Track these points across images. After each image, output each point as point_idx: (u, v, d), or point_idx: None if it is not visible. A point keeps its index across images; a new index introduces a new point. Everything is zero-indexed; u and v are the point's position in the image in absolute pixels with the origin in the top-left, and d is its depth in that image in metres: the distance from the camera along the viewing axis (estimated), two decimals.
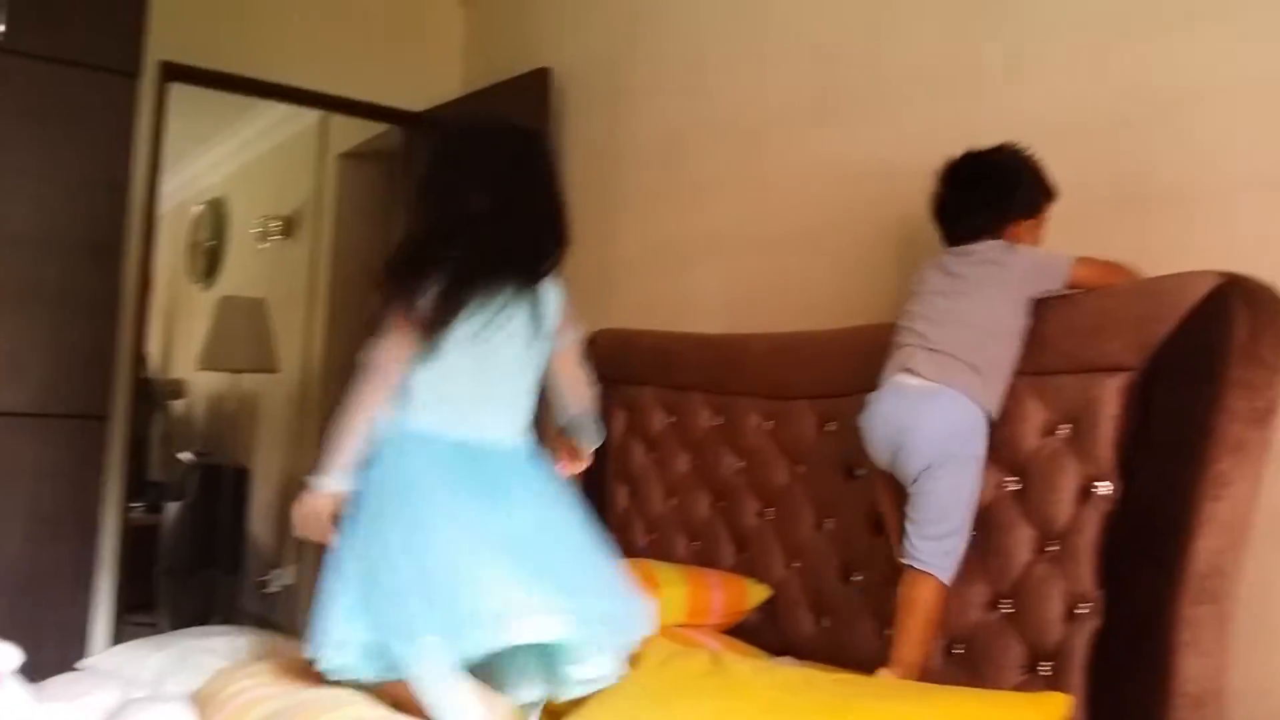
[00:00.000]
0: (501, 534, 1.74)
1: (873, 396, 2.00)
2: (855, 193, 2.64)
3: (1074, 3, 2.22)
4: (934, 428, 1.89)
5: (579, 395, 2.04)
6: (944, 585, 1.88)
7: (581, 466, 2.03)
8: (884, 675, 1.87)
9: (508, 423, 1.92)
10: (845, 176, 2.68)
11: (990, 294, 1.92)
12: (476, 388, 1.87)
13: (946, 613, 1.91)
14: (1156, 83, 2.04)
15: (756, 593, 2.38)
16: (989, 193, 1.99)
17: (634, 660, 1.85)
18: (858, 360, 2.28)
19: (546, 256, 1.93)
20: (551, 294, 1.94)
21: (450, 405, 1.86)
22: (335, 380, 5.15)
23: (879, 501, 2.10)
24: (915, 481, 1.90)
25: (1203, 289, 1.67)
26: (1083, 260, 1.91)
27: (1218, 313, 1.64)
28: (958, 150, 2.41)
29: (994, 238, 1.97)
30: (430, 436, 1.84)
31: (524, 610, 1.65)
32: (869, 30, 2.67)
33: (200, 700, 1.88)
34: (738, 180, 3.02)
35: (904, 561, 1.90)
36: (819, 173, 2.76)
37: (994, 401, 1.90)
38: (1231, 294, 1.64)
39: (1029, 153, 2.00)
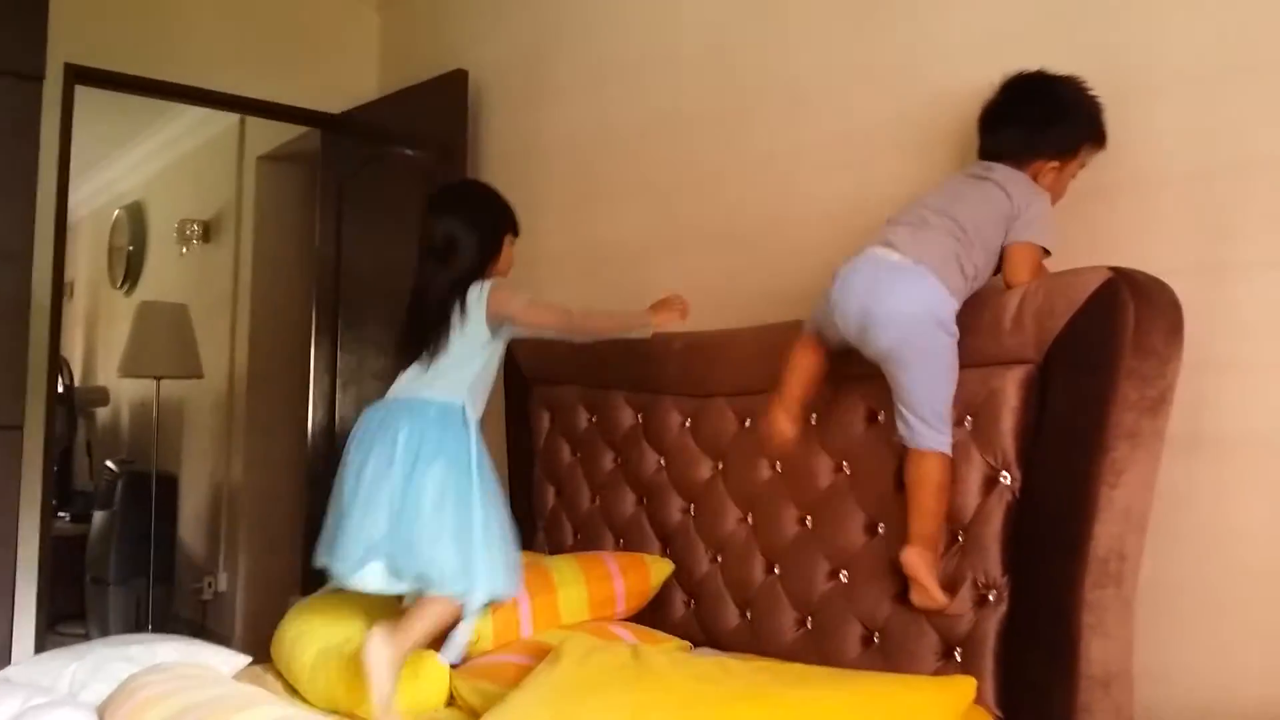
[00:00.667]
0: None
1: (845, 267, 1.93)
2: (770, 190, 2.68)
3: None
4: (906, 305, 1.84)
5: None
6: (947, 456, 1.86)
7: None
8: (907, 554, 1.89)
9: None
10: (759, 174, 2.71)
11: (990, 215, 1.89)
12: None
13: (953, 480, 1.89)
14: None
15: (659, 569, 2.43)
16: (1030, 114, 1.93)
17: (555, 657, 1.88)
18: (775, 358, 2.32)
19: None
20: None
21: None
22: (259, 385, 5.10)
23: (793, 358, 2.09)
24: (887, 361, 1.87)
25: (1094, 283, 1.72)
26: (1042, 253, 1.90)
27: (1108, 306, 1.69)
28: (858, 150, 2.47)
29: (1018, 166, 1.92)
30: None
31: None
32: (776, 31, 2.71)
33: (104, 707, 1.87)
34: (656, 179, 3.04)
35: (904, 444, 1.89)
36: (733, 172, 2.79)
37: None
38: (1121, 288, 1.69)
39: (1087, 92, 1.92)
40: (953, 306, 1.85)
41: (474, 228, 2.32)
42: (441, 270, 2.28)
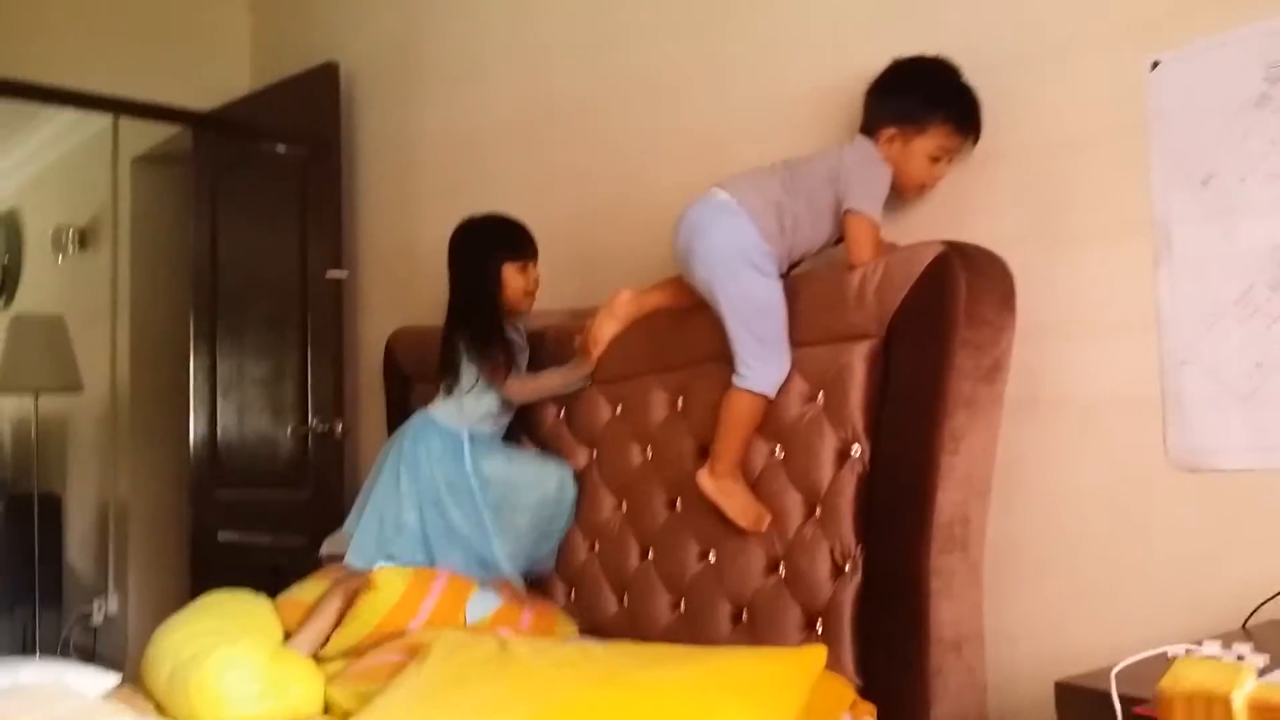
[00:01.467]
0: None
1: (688, 206, 2.07)
2: (634, 180, 2.70)
3: None
4: (717, 242, 1.97)
5: None
6: (759, 398, 1.97)
7: None
8: (700, 477, 2.04)
9: None
10: (624, 164, 2.74)
11: (820, 169, 2.00)
12: None
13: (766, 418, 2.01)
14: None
15: (563, 626, 2.38)
16: (879, 85, 2.02)
17: (424, 655, 1.88)
18: (641, 347, 2.34)
19: None
20: None
21: None
22: (143, 396, 4.97)
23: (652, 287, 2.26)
24: (709, 297, 2.01)
25: (928, 257, 1.77)
26: (869, 219, 1.95)
27: (941, 279, 1.75)
28: (718, 140, 2.50)
29: (868, 135, 2.00)
30: None
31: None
32: (642, 22, 2.73)
33: None
34: (529, 169, 3.04)
35: (733, 383, 1.99)
36: (601, 161, 2.80)
37: (780, 261, 2.00)
38: (953, 261, 1.75)
39: (949, 73, 1.97)
40: (764, 250, 1.95)
41: (462, 270, 2.50)
42: (452, 313, 2.50)
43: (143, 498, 4.98)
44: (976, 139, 2.00)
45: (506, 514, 2.42)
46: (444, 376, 2.49)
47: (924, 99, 1.97)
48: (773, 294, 1.95)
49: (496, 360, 2.43)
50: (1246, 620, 1.57)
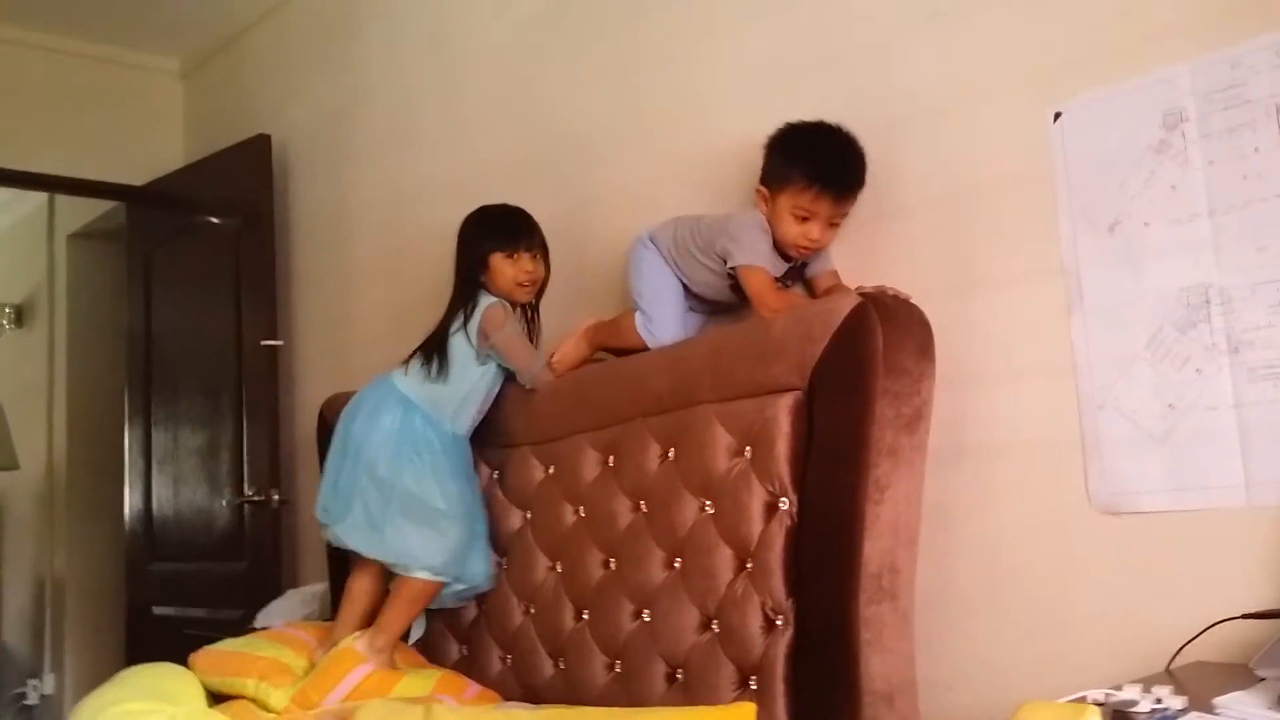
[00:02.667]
0: None
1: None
2: (568, 232, 2.71)
3: (752, 41, 2.36)
4: (629, 263, 2.40)
5: None
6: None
7: None
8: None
9: None
10: (557, 223, 2.74)
11: (718, 233, 2.17)
12: None
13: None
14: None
15: None
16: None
17: None
18: (571, 405, 2.34)
19: None
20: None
21: None
22: (83, 474, 4.87)
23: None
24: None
25: (846, 309, 1.78)
26: (756, 271, 2.05)
27: (859, 330, 1.76)
28: (642, 195, 2.55)
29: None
30: None
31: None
32: (568, 85, 2.76)
33: None
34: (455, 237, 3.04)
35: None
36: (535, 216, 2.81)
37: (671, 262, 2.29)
38: (869, 312, 1.76)
39: (811, 134, 2.04)
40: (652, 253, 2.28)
41: (458, 259, 2.50)
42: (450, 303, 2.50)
43: (80, 575, 4.86)
44: (845, 195, 2.03)
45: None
46: (423, 354, 2.47)
47: (780, 159, 2.06)
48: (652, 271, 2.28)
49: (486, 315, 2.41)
50: (1170, 662, 1.58)
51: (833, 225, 2.07)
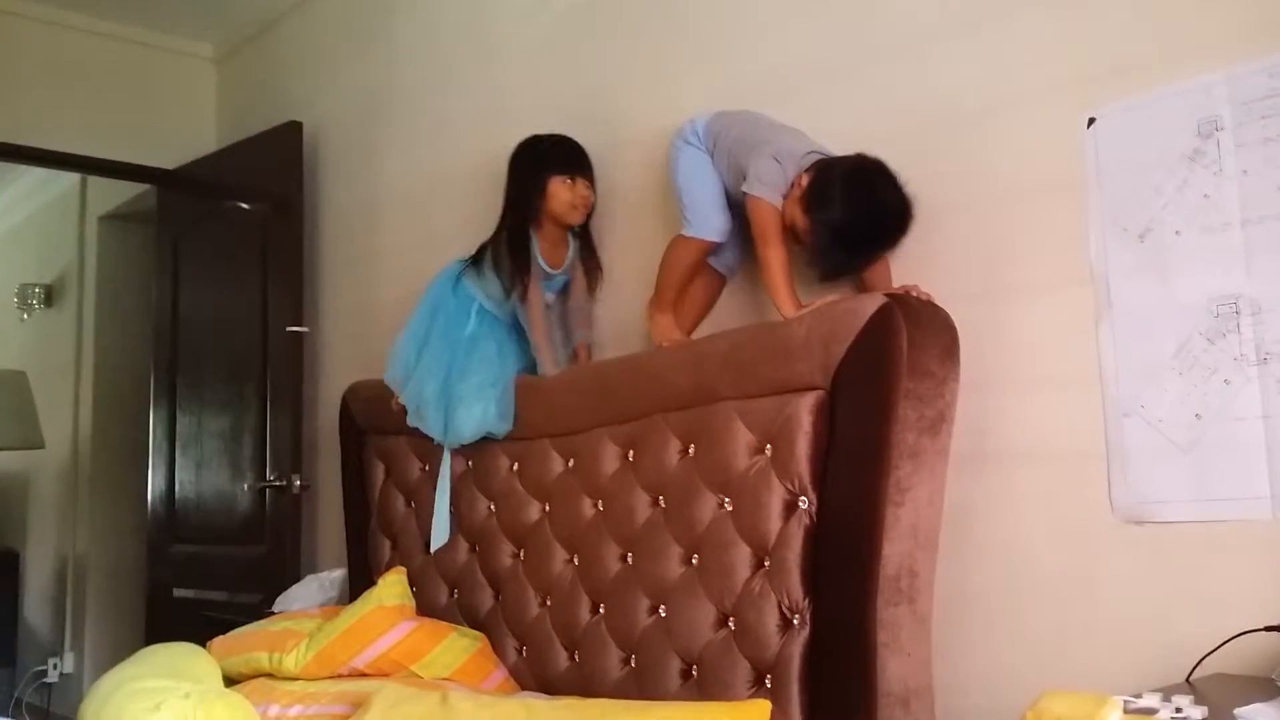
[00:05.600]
0: None
1: None
2: (598, 222, 2.71)
3: (789, 42, 2.35)
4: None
5: None
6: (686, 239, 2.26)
7: None
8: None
9: None
10: None
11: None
12: None
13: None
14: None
15: None
16: None
17: (365, 709, 1.85)
18: (592, 399, 2.34)
19: None
20: None
21: None
22: (107, 454, 4.92)
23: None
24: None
25: (871, 309, 1.77)
26: (764, 207, 2.07)
27: (883, 331, 1.75)
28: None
29: None
30: None
31: None
32: (598, 85, 2.76)
33: None
34: (489, 222, 3.04)
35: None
36: None
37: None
38: (895, 313, 1.75)
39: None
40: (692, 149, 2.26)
41: (511, 180, 2.59)
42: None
43: (101, 554, 4.91)
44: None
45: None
46: (481, 252, 2.65)
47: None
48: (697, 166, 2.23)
49: (511, 271, 2.52)
50: (1190, 673, 1.57)
51: None
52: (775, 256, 2.03)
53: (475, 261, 2.67)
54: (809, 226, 2.00)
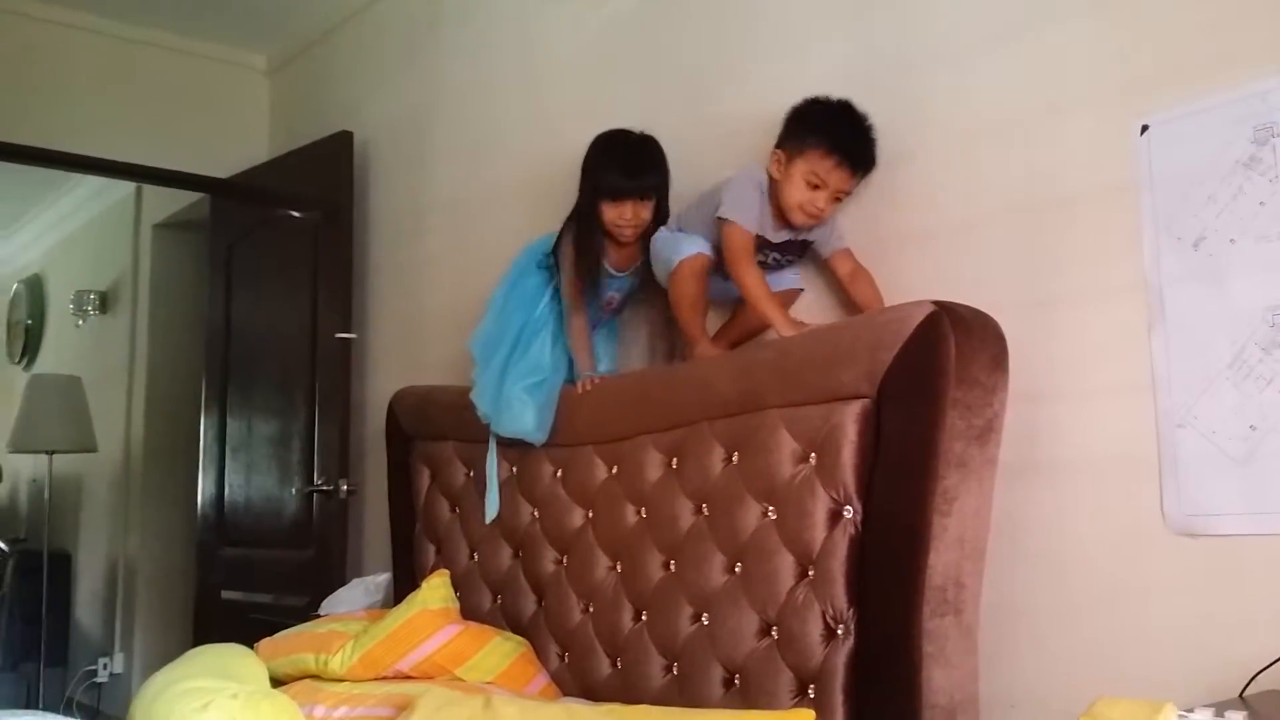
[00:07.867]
0: None
1: None
2: None
3: (832, 48, 2.35)
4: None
5: None
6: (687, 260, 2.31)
7: None
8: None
9: None
10: None
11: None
12: None
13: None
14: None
15: None
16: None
17: (410, 711, 1.86)
18: (636, 406, 2.35)
19: None
20: None
21: None
22: (158, 458, 5.00)
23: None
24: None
25: (919, 317, 1.76)
26: (735, 230, 2.17)
27: (931, 338, 1.74)
28: None
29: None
30: None
31: None
32: (642, 97, 2.77)
33: None
34: (537, 234, 3.06)
35: None
36: None
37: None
38: (943, 320, 1.74)
39: (836, 108, 2.13)
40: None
41: (581, 174, 2.54)
42: None
43: (151, 556, 4.99)
44: (858, 171, 2.13)
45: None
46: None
47: (804, 126, 2.14)
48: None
49: (571, 266, 2.53)
50: (1244, 689, 1.53)
51: (837, 199, 2.15)
52: (751, 276, 2.14)
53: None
54: (801, 145, 2.11)
